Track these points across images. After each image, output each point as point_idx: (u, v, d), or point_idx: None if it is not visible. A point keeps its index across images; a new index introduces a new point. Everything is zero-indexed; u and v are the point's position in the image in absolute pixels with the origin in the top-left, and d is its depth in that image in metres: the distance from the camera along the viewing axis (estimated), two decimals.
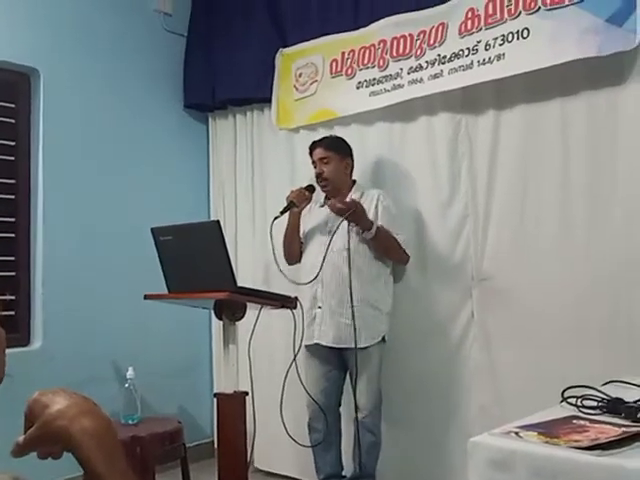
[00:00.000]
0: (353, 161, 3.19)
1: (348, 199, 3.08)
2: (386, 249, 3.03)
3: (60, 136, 3.40)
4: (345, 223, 2.94)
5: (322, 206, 3.19)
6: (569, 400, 1.65)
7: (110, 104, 3.64)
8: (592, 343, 2.67)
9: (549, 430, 1.42)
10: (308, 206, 3.21)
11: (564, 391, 1.69)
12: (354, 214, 2.88)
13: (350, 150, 3.18)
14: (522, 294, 2.91)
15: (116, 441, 0.87)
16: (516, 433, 1.40)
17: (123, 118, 3.71)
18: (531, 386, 2.74)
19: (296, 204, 3.11)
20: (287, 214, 3.14)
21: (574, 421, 1.50)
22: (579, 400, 1.63)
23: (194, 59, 4.04)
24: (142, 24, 3.84)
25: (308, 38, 3.59)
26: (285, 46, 3.71)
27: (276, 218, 3.04)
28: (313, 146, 3.18)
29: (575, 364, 2.57)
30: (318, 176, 3.12)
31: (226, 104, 4.02)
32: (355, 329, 2.90)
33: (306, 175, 3.39)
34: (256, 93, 3.81)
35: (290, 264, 3.26)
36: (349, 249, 2.93)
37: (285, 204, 3.10)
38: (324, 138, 3.20)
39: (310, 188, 3.17)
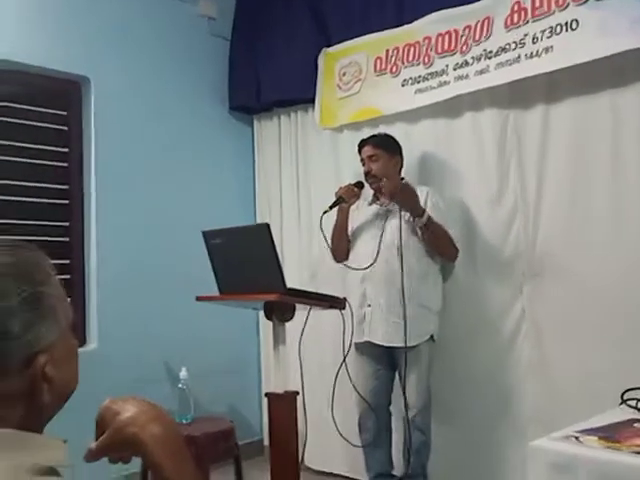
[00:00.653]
0: (402, 159, 3.17)
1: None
2: (437, 240, 2.99)
3: (110, 142, 3.48)
4: (396, 221, 2.94)
5: (371, 204, 3.19)
6: (629, 402, 1.62)
7: (158, 109, 3.72)
8: None
9: (610, 434, 1.39)
10: (356, 204, 3.21)
11: (623, 393, 1.66)
12: (404, 193, 2.85)
13: (399, 148, 3.17)
14: (575, 289, 2.86)
15: (183, 446, 0.90)
16: (576, 438, 1.39)
17: (171, 123, 3.78)
18: (586, 384, 2.69)
19: (345, 199, 3.10)
20: (335, 211, 3.15)
21: (635, 425, 1.47)
22: (639, 403, 1.60)
23: (238, 62, 4.08)
24: (188, 29, 3.90)
25: (351, 37, 3.59)
26: (328, 45, 3.71)
27: (325, 212, 3.04)
28: (362, 144, 3.17)
29: (633, 362, 2.51)
30: (367, 174, 3.12)
31: (271, 106, 4.05)
32: (405, 328, 2.90)
33: (351, 174, 3.39)
34: (300, 94, 3.82)
35: (338, 261, 3.27)
36: (400, 246, 2.91)
37: (334, 200, 3.10)
38: (373, 136, 3.19)
39: (359, 185, 3.16)
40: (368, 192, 3.21)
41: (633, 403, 1.61)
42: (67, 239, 3.43)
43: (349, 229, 3.21)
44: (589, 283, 2.82)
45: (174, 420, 0.92)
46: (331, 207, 3.08)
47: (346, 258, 3.23)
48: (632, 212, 2.73)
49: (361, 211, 3.21)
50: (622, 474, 1.25)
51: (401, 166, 3.18)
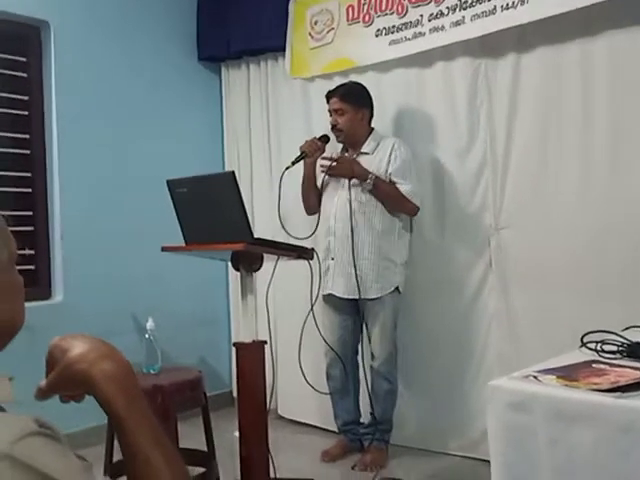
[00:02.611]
0: (372, 109, 3.14)
1: (364, 148, 3.06)
2: (389, 199, 3.02)
3: (73, 89, 3.37)
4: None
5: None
6: (588, 345, 1.64)
7: (123, 56, 3.60)
8: (611, 290, 2.66)
9: (568, 374, 1.42)
10: (330, 155, 3.17)
11: (583, 336, 1.69)
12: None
13: (368, 99, 3.13)
14: (541, 242, 2.89)
15: (136, 383, 0.88)
16: (535, 377, 1.41)
17: (136, 70, 3.66)
18: (549, 333, 2.75)
19: (308, 154, 3.08)
20: (302, 165, 3.11)
21: (593, 365, 1.50)
22: (598, 345, 1.62)
23: (207, 9, 3.96)
24: None
25: None
26: None
27: (287, 168, 3.00)
28: (329, 95, 3.13)
29: (594, 311, 2.56)
30: (333, 127, 3.09)
31: (240, 55, 3.95)
32: (361, 280, 2.96)
33: (322, 124, 3.33)
34: (270, 42, 3.73)
35: (309, 214, 3.25)
36: (350, 202, 2.97)
37: (297, 154, 3.06)
38: (340, 87, 3.14)
39: (324, 138, 3.13)
40: (338, 144, 3.18)
41: (592, 346, 1.63)
42: (29, 190, 3.34)
43: (318, 182, 3.18)
44: (555, 236, 2.86)
45: (125, 358, 0.90)
46: (293, 163, 3.04)
47: (316, 211, 3.22)
48: (600, 165, 2.75)
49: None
50: (579, 410, 1.27)
51: (370, 117, 3.15)
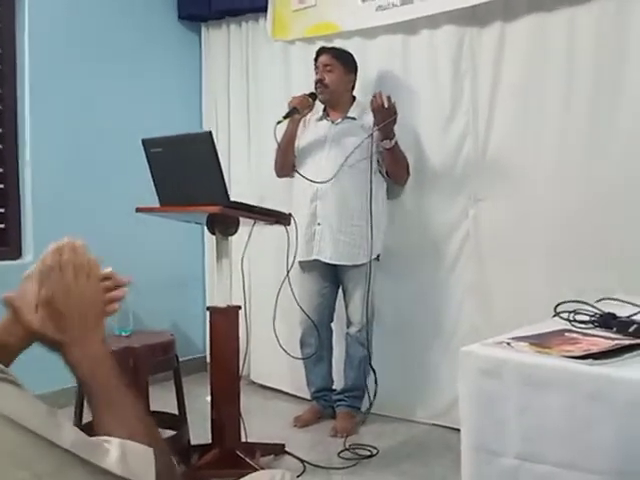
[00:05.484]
0: (356, 79, 3.11)
1: (351, 113, 3.02)
2: (397, 164, 3.01)
3: (46, 42, 3.27)
4: (352, 139, 2.93)
5: (320, 119, 3.11)
6: (561, 315, 1.64)
7: (100, 10, 3.49)
8: (586, 263, 2.67)
9: (541, 341, 1.41)
10: (302, 120, 3.12)
11: (557, 306, 1.69)
12: (389, 116, 2.81)
13: (356, 66, 3.10)
14: (518, 215, 2.89)
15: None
16: (507, 343, 1.40)
17: (114, 25, 3.56)
18: (523, 305, 2.75)
19: (299, 110, 3.01)
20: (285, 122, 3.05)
21: (566, 334, 1.50)
22: (571, 315, 1.62)
23: None
24: None
25: None
26: None
27: (279, 122, 2.94)
28: (320, 51, 3.08)
29: (568, 284, 2.56)
30: (318, 82, 3.03)
31: (222, 14, 3.86)
32: (349, 246, 2.96)
33: (302, 87, 3.27)
34: (252, 3, 3.64)
35: (280, 176, 3.20)
36: (370, 159, 2.90)
37: (287, 110, 3.00)
38: (333, 47, 3.11)
39: (313, 96, 3.06)
40: (317, 108, 3.13)
41: (565, 315, 1.63)
42: (0, 146, 3.25)
43: (297, 144, 3.13)
44: (532, 209, 2.86)
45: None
46: (285, 117, 2.99)
47: (290, 174, 3.17)
48: (581, 138, 2.74)
49: (309, 127, 3.14)
50: (550, 376, 1.27)
51: (353, 86, 3.11)
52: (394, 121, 2.85)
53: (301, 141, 3.12)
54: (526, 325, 1.68)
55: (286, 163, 3.14)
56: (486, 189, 2.99)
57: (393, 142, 2.90)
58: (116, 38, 3.57)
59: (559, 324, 1.61)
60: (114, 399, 0.86)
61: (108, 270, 0.94)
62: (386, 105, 2.79)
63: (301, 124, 3.12)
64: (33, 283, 0.87)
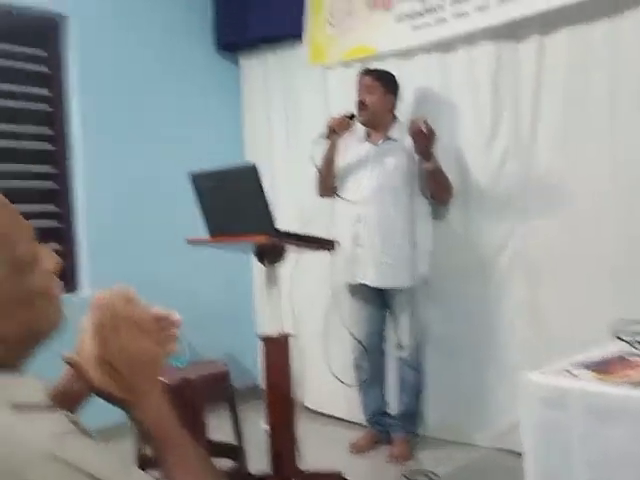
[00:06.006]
0: (396, 100, 3.11)
1: (392, 135, 3.02)
2: (438, 186, 2.98)
3: (94, 83, 3.38)
4: (392, 160, 2.91)
5: (362, 142, 3.12)
6: (622, 336, 1.60)
7: (140, 47, 3.60)
8: None
9: (602, 367, 1.39)
10: (346, 141, 3.13)
11: (615, 326, 1.65)
12: (428, 142, 2.81)
13: (397, 88, 3.10)
14: (568, 229, 2.82)
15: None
16: (568, 371, 1.38)
17: (155, 62, 3.66)
18: (578, 323, 2.68)
19: (336, 131, 3.04)
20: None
21: (628, 358, 1.46)
22: (632, 336, 1.58)
23: None
24: None
25: None
26: None
27: (316, 142, 2.98)
28: (362, 73, 3.09)
29: (626, 301, 2.49)
30: (359, 103, 3.04)
31: (257, 42, 3.91)
32: (392, 269, 2.92)
33: (340, 111, 3.27)
34: (288, 29, 3.69)
35: (321, 195, 3.21)
36: (398, 187, 2.89)
37: (325, 130, 3.03)
38: (375, 69, 3.11)
39: (352, 117, 3.07)
40: (359, 129, 3.14)
41: (626, 337, 1.59)
42: (54, 185, 3.36)
43: (338, 165, 3.13)
44: (583, 222, 2.79)
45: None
46: (322, 138, 3.01)
47: (331, 195, 3.18)
48: (629, 149, 2.67)
49: (351, 149, 3.14)
50: (615, 405, 1.24)
51: (394, 107, 3.11)
52: (433, 144, 2.83)
53: (342, 162, 3.14)
54: (581, 344, 1.65)
55: (327, 184, 3.16)
56: (533, 206, 2.93)
57: (433, 164, 2.88)
58: (158, 72, 3.68)
59: (619, 346, 1.57)
60: (179, 448, 0.87)
61: (160, 310, 0.95)
62: (424, 130, 2.77)
63: (343, 145, 3.14)
64: (90, 337, 0.89)
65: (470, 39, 3.05)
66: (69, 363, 0.90)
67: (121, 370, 0.87)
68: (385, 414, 3.20)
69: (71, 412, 1.03)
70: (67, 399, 1.02)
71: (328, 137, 3.02)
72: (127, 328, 0.88)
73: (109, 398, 0.88)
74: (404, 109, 3.19)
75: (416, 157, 2.91)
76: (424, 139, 2.80)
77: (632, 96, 2.65)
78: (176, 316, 0.96)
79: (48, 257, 0.87)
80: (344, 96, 3.40)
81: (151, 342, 0.90)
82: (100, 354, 0.87)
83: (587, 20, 2.74)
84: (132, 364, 0.88)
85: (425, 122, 2.79)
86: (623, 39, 2.65)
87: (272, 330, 2.57)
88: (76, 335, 1.02)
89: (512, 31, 2.93)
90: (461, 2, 2.97)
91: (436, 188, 2.99)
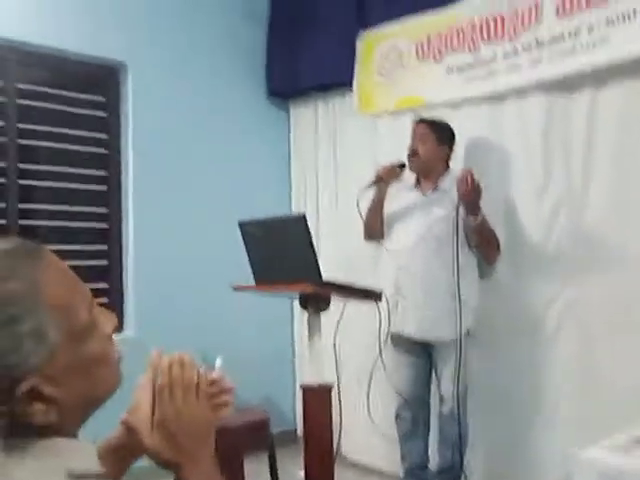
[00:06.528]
0: (451, 151, 3.09)
1: (442, 185, 2.99)
2: (485, 243, 2.94)
3: (149, 129, 3.48)
4: (439, 210, 2.89)
5: (411, 190, 3.10)
6: None
7: (195, 95, 3.70)
8: None
9: None
10: (397, 188, 3.12)
11: None
12: (474, 196, 2.77)
13: (452, 140, 3.08)
14: (621, 286, 2.74)
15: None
16: (625, 448, 1.32)
17: (208, 108, 3.76)
18: (632, 388, 2.59)
19: (384, 179, 3.04)
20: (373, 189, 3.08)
21: None
22: None
23: (276, 45, 4.03)
24: (225, 12, 3.85)
25: (391, 18, 3.48)
26: (367, 26, 3.61)
27: (363, 190, 2.99)
28: (418, 122, 3.09)
29: None
30: (412, 152, 3.04)
31: (308, 90, 3.98)
32: (434, 321, 2.88)
33: (388, 161, 3.30)
34: (337, 78, 3.75)
35: (369, 239, 3.20)
36: (457, 233, 2.85)
37: (373, 178, 3.04)
38: (432, 119, 3.09)
39: (401, 166, 3.08)
40: (410, 177, 3.13)
41: None
42: (106, 225, 3.45)
43: (385, 211, 3.14)
44: (635, 283, 2.71)
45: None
46: (370, 185, 3.03)
47: (377, 240, 3.17)
48: None
49: (401, 196, 3.13)
50: None
51: (448, 158, 3.10)
52: (479, 197, 2.79)
53: (390, 208, 3.13)
54: (634, 408, 1.59)
55: (373, 229, 3.16)
56: (584, 261, 2.87)
57: (479, 219, 2.84)
58: (211, 118, 3.77)
59: None
60: None
61: (215, 375, 0.96)
62: (469, 182, 2.74)
63: (393, 191, 3.13)
64: (146, 397, 0.90)
65: (521, 91, 3.04)
66: (125, 425, 0.91)
67: (176, 434, 0.87)
68: (425, 468, 3.12)
69: (121, 471, 1.04)
70: (118, 458, 1.03)
71: (375, 184, 3.03)
72: (184, 393, 0.90)
73: (160, 460, 0.88)
74: (454, 159, 3.18)
75: (462, 210, 2.88)
76: (470, 192, 2.77)
77: None
78: (229, 383, 0.97)
79: (106, 320, 0.89)
80: (392, 145, 3.42)
81: (205, 408, 0.92)
82: (156, 417, 0.88)
83: (638, 75, 2.71)
84: (187, 429, 0.88)
85: (471, 174, 2.76)
86: None
87: (313, 380, 2.55)
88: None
89: (564, 84, 2.92)
90: (513, 55, 2.98)
91: (482, 243, 2.95)
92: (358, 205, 2.95)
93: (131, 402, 0.93)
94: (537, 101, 3.01)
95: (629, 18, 2.61)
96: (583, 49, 2.74)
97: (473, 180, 2.75)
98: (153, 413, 0.88)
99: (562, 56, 2.81)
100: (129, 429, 0.90)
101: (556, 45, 2.83)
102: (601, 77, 2.81)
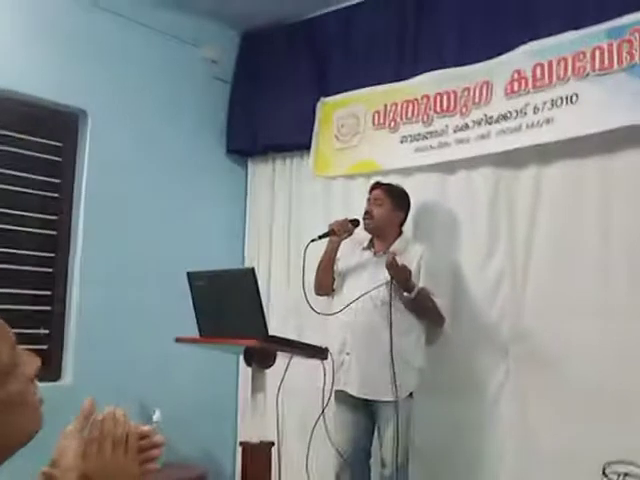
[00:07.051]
0: (406, 216, 3.17)
1: (393, 248, 3.06)
2: (423, 311, 2.99)
3: (103, 176, 3.47)
4: (386, 273, 2.92)
5: (365, 249, 3.16)
6: (610, 477, 1.58)
7: (154, 147, 3.72)
8: (635, 413, 2.56)
9: None
10: (351, 246, 3.18)
11: (605, 466, 1.63)
12: (402, 276, 2.85)
13: (407, 205, 3.16)
14: (560, 356, 2.84)
15: None
16: None
17: (165, 161, 3.77)
18: (567, 452, 2.64)
19: (336, 232, 3.09)
20: (326, 242, 3.12)
21: None
22: (621, 477, 1.56)
23: (238, 105, 4.11)
24: (189, 70, 3.93)
25: (350, 88, 3.63)
26: (327, 94, 3.76)
27: (312, 241, 3.02)
28: (375, 186, 3.17)
29: (617, 435, 2.45)
30: (365, 213, 3.11)
31: (267, 150, 4.07)
32: (377, 381, 2.89)
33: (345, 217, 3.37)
34: (296, 140, 3.84)
35: (318, 294, 3.20)
36: (390, 304, 2.89)
37: (325, 231, 3.09)
38: (389, 184, 3.18)
39: (354, 222, 3.14)
40: (365, 237, 3.19)
41: (614, 477, 1.57)
42: (50, 270, 3.38)
43: (337, 268, 3.18)
44: (575, 349, 2.80)
45: None
46: (320, 237, 3.07)
47: (327, 293, 3.19)
48: (621, 280, 2.74)
49: (354, 254, 3.18)
50: None
51: (402, 222, 3.18)
52: (408, 277, 2.86)
53: (343, 265, 3.17)
54: (570, 472, 1.62)
55: (324, 282, 3.18)
56: (525, 328, 2.96)
57: (413, 294, 2.90)
58: (167, 171, 3.78)
59: None
60: None
61: (146, 428, 0.96)
62: (394, 263, 2.82)
63: (349, 249, 3.18)
64: (71, 448, 0.89)
65: (471, 163, 3.19)
66: (45, 476, 0.89)
67: None
68: None
69: None
70: None
71: (325, 237, 3.08)
72: (113, 448, 0.90)
73: None
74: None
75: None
76: (396, 273, 2.84)
77: (622, 230, 2.75)
78: (159, 437, 0.97)
79: (29, 362, 0.87)
80: (346, 206, 3.51)
81: (133, 463, 0.92)
82: (82, 469, 0.87)
83: (581, 155, 2.88)
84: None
85: (394, 258, 2.82)
86: (615, 176, 2.78)
87: (253, 436, 2.51)
88: (55, 425, 1.02)
89: (511, 160, 3.07)
90: (463, 129, 3.13)
91: (421, 313, 3.00)
92: (304, 254, 2.97)
93: (54, 451, 0.92)
94: (485, 173, 3.15)
95: (571, 101, 2.79)
96: (529, 127, 2.90)
97: (396, 262, 2.82)
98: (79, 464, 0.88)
99: (509, 133, 2.96)
100: None
101: (504, 122, 2.99)
102: (546, 155, 2.97)
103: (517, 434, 2.92)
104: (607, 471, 1.60)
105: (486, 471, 2.98)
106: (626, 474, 1.56)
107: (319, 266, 3.16)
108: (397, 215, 3.14)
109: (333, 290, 3.18)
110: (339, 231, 3.10)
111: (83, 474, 0.87)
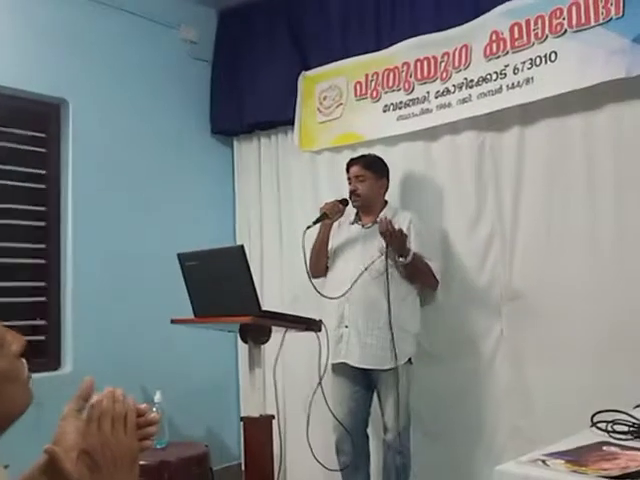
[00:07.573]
0: (388, 182, 3.17)
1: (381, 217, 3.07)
2: (418, 275, 3.02)
3: (89, 164, 3.47)
4: (378, 243, 2.94)
5: (352, 224, 3.18)
6: (599, 425, 1.61)
7: (138, 132, 3.71)
8: (624, 364, 2.62)
9: (577, 458, 1.38)
10: (337, 222, 3.20)
11: (593, 415, 1.66)
12: (398, 240, 2.86)
13: (387, 171, 3.17)
14: (552, 313, 2.88)
15: None
16: (543, 461, 1.38)
17: (151, 145, 3.77)
18: (562, 404, 2.70)
19: (329, 215, 3.10)
20: (317, 226, 3.14)
21: (604, 448, 1.46)
22: (609, 425, 1.59)
23: (220, 85, 4.09)
24: (169, 52, 3.90)
25: (330, 60, 3.62)
26: (308, 68, 3.74)
27: (308, 228, 3.03)
28: (350, 163, 3.16)
29: (607, 385, 2.52)
30: (352, 192, 3.12)
31: (252, 128, 4.06)
32: (376, 350, 2.92)
33: (330, 195, 3.39)
34: (280, 116, 3.83)
35: (314, 277, 3.21)
36: (387, 272, 2.90)
37: (317, 215, 3.09)
38: (362, 156, 3.18)
39: (344, 202, 3.16)
40: (351, 211, 3.21)
41: (603, 426, 1.60)
42: (43, 261, 3.40)
43: (329, 247, 3.20)
44: (566, 305, 2.84)
45: None
46: (314, 222, 3.08)
47: (323, 275, 3.22)
48: (609, 234, 2.77)
49: (342, 230, 3.20)
50: None
51: (386, 189, 3.19)
52: (404, 242, 2.87)
53: (334, 243, 3.19)
54: (565, 423, 1.66)
55: (319, 265, 3.20)
56: (517, 288, 3.00)
57: (409, 259, 2.91)
58: (154, 156, 3.78)
59: (597, 435, 1.57)
60: None
61: (142, 406, 0.98)
62: (389, 233, 2.82)
63: (336, 225, 3.20)
64: (71, 426, 0.91)
65: (454, 128, 3.19)
66: (48, 454, 0.91)
67: (101, 464, 0.89)
68: None
69: None
70: None
71: (319, 221, 3.09)
72: (111, 422, 0.92)
73: None
74: (390, 194, 3.28)
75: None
76: (391, 238, 2.85)
77: (607, 184, 2.76)
78: (153, 415, 0.99)
79: (13, 339, 0.90)
80: (332, 178, 3.52)
81: (132, 438, 0.94)
82: (82, 447, 0.89)
83: (564, 112, 2.89)
84: (110, 456, 0.91)
85: (389, 222, 2.83)
86: (598, 130, 2.80)
87: (254, 411, 2.56)
88: (56, 412, 1.04)
89: (494, 122, 3.07)
90: (444, 94, 3.13)
91: (416, 278, 3.02)
92: (303, 243, 2.98)
93: (56, 431, 0.94)
94: (469, 137, 3.16)
95: (550, 59, 2.79)
96: (509, 88, 2.90)
97: (392, 227, 2.83)
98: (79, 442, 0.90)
99: (490, 95, 2.96)
100: (52, 458, 0.90)
101: (484, 84, 2.99)
102: (528, 114, 2.98)
103: (513, 392, 2.96)
104: (595, 419, 1.63)
105: (485, 430, 3.04)
106: (614, 422, 1.59)
107: (313, 250, 3.17)
108: (382, 184, 3.16)
109: (327, 269, 3.20)
110: (331, 214, 3.11)
111: (84, 450, 0.90)
